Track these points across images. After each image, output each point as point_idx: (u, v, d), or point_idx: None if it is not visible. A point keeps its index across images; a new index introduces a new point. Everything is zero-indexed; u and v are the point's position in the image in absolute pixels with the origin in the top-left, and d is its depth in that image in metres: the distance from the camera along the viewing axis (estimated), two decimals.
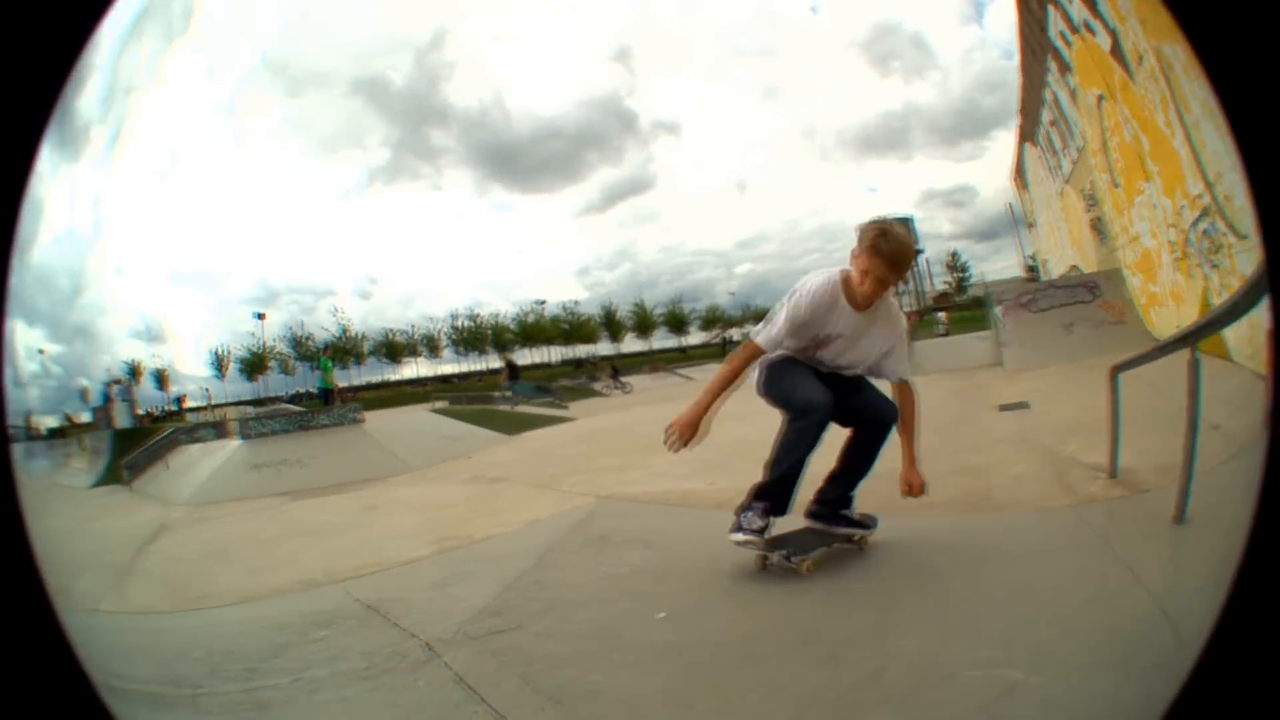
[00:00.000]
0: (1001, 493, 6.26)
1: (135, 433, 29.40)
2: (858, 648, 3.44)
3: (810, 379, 4.71)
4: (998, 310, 18.47)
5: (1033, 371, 14.21)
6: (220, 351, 56.21)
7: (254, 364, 54.83)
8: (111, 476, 24.70)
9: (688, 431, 4.65)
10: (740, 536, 4.56)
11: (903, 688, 3.02)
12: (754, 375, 4.94)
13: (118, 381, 42.49)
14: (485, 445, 18.35)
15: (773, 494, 4.64)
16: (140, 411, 36.83)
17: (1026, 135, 31.72)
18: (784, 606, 4.24)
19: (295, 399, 45.20)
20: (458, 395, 34.04)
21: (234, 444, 21.52)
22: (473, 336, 62.64)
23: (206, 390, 52.90)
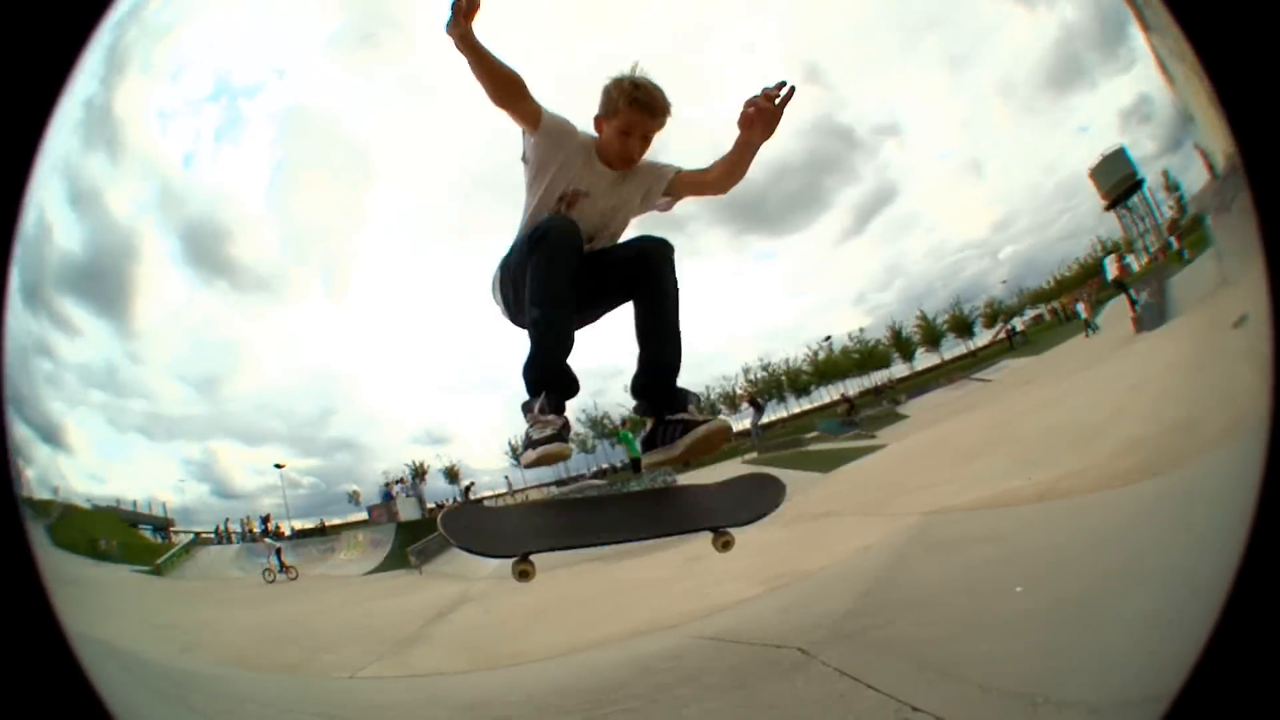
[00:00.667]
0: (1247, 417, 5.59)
1: (423, 524, 30.04)
2: None
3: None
4: (1209, 221, 16.48)
5: (1249, 274, 12.67)
6: (514, 442, 58.45)
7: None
8: (394, 564, 25.49)
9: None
10: (531, 455, 3.98)
11: None
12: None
13: (400, 481, 44.23)
14: (802, 486, 17.31)
15: (545, 374, 4.16)
16: (430, 505, 37.83)
17: (1143, 23, 28.27)
18: None
19: (600, 474, 45.35)
20: (766, 444, 33.43)
21: None
22: (769, 386, 62.19)
23: (506, 479, 55.02)
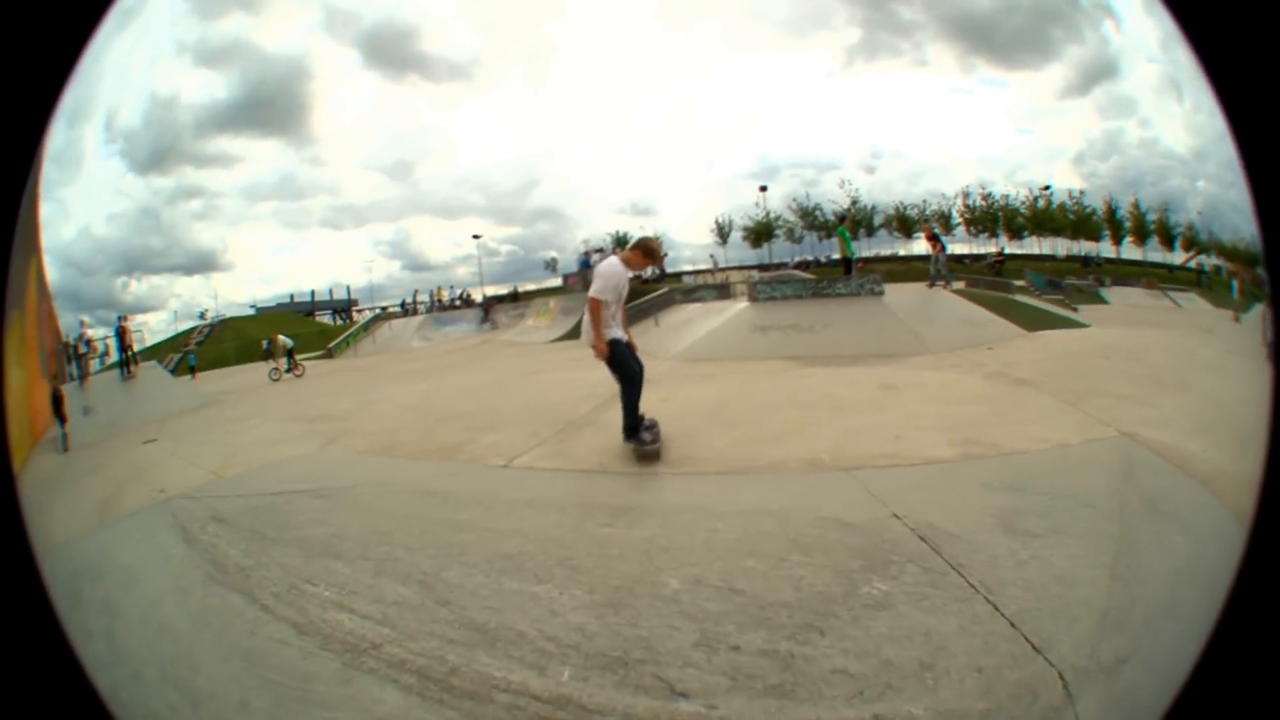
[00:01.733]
0: None
1: None
2: None
3: (632, 358, 7.82)
4: None
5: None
6: (721, 221, 57.79)
7: (759, 232, 55.63)
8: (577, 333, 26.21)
9: (607, 352, 7.60)
10: (658, 446, 7.48)
11: None
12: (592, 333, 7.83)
13: (599, 250, 45.31)
14: (1004, 337, 16.36)
15: (643, 421, 7.68)
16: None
17: None
18: None
19: (802, 265, 44.06)
20: (974, 278, 32.25)
21: (739, 305, 20.75)
22: (984, 217, 58.79)
23: (712, 256, 54.84)
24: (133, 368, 26.60)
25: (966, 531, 4.50)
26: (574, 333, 27.22)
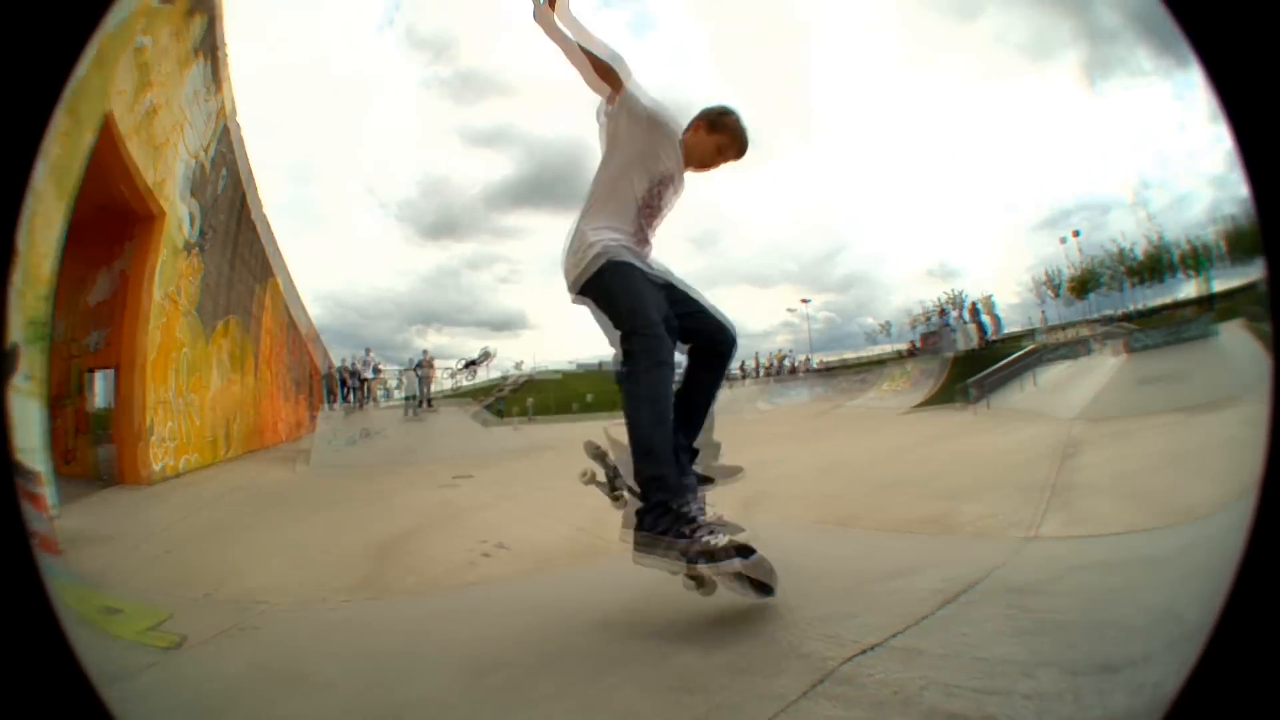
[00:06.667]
0: None
1: (972, 356, 30.88)
2: None
3: (654, 290, 4.06)
4: None
5: None
6: (1047, 273, 55.24)
7: (1082, 283, 52.88)
8: (943, 398, 26.36)
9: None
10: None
11: None
12: (579, 274, 4.13)
13: (941, 313, 46.62)
14: None
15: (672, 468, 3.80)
16: (986, 337, 38.61)
17: None
18: None
19: (1146, 315, 40.45)
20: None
21: (1111, 360, 19.43)
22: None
23: (1038, 314, 52.98)
24: (429, 403, 29.16)
25: None
26: (936, 399, 26.97)
